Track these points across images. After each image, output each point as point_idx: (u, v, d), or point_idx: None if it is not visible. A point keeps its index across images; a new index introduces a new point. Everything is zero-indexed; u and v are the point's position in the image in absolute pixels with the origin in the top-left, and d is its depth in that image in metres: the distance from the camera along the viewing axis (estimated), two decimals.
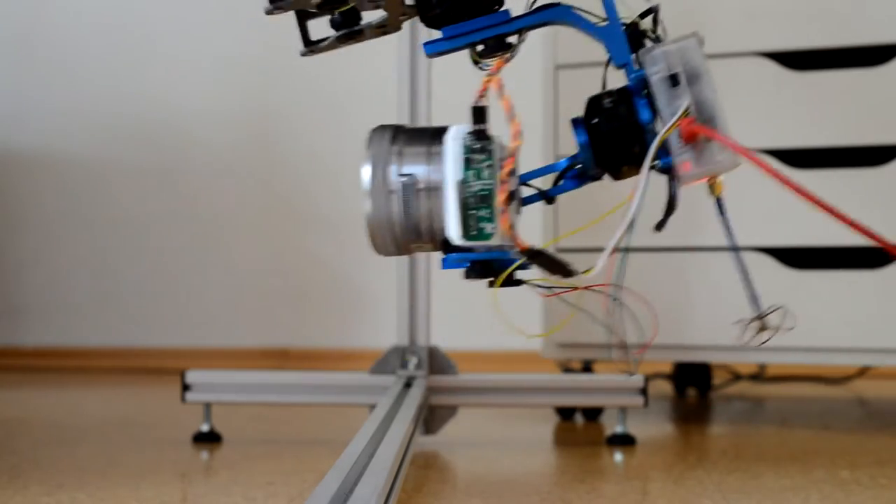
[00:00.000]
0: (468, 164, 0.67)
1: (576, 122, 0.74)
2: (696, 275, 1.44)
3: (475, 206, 0.68)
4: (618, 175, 0.75)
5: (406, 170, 0.70)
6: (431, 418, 1.34)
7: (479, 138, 0.68)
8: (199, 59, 2.58)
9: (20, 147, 2.68)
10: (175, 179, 2.59)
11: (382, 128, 0.73)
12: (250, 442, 1.37)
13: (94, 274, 2.62)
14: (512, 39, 0.76)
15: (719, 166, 0.72)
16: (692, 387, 1.95)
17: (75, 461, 1.21)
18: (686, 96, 0.70)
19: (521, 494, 1.01)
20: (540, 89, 1.53)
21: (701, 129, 0.69)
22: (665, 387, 1.99)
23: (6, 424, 1.58)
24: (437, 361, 1.35)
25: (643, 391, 1.31)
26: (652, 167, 0.71)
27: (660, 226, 0.75)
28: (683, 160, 0.71)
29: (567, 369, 1.64)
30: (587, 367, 1.60)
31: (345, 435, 0.97)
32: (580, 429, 1.50)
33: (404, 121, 1.37)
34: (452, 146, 0.68)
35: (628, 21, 0.76)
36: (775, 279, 1.41)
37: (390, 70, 1.39)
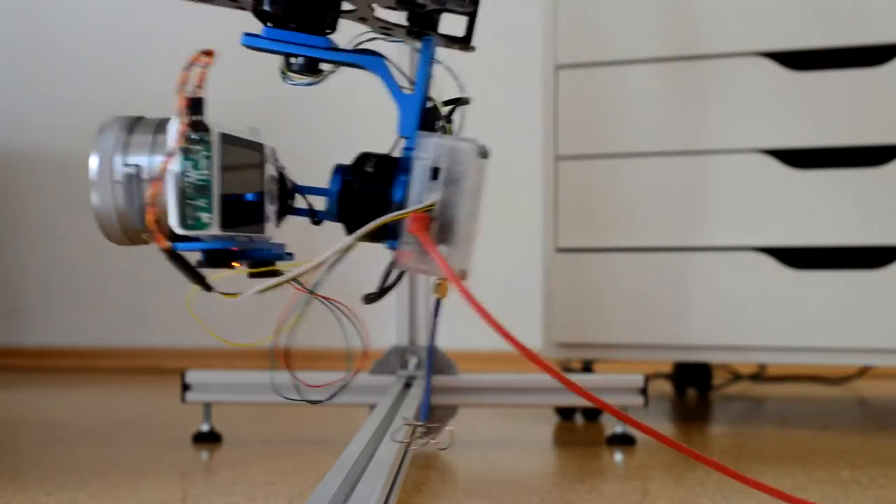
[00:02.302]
0: (186, 154, 0.67)
1: (337, 169, 0.75)
2: (696, 275, 1.44)
3: (192, 196, 0.68)
4: (349, 232, 0.76)
5: (131, 160, 0.70)
6: (431, 418, 1.33)
7: (197, 129, 0.67)
8: None
9: (20, 147, 2.68)
10: None
11: (116, 118, 0.74)
12: (250, 442, 1.37)
13: (95, 274, 2.62)
14: (325, 67, 0.78)
15: (434, 270, 0.72)
16: (692, 387, 1.95)
17: (75, 461, 1.21)
18: (437, 193, 0.71)
19: (521, 494, 1.01)
20: (540, 89, 1.53)
21: (420, 231, 0.70)
22: (665, 387, 1.99)
23: (6, 424, 1.58)
24: (437, 361, 1.35)
25: (643, 391, 1.31)
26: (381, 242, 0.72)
27: (369, 299, 0.76)
28: (406, 249, 0.72)
29: (567, 369, 1.64)
30: (587, 367, 1.60)
31: (345, 435, 0.97)
32: (580, 429, 1.50)
33: None
34: (171, 137, 0.68)
35: (434, 100, 0.78)
36: (775, 279, 1.41)
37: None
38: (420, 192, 0.71)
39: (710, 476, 1.09)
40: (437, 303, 0.77)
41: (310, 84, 0.79)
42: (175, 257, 0.67)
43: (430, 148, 0.72)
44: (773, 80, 1.42)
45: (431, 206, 0.71)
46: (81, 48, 2.64)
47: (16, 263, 2.67)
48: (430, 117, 0.77)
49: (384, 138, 1.29)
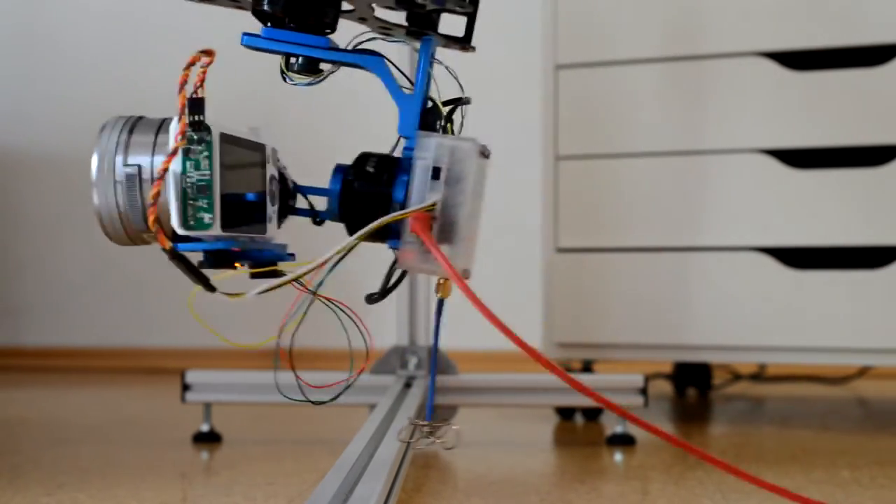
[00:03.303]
0: (186, 154, 0.67)
1: (338, 169, 0.74)
2: (696, 275, 1.44)
3: (194, 196, 0.68)
4: (351, 232, 0.76)
5: (132, 160, 0.70)
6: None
7: (197, 129, 0.68)
8: None
9: (20, 147, 2.68)
10: None
11: (117, 118, 0.74)
12: (250, 442, 1.37)
13: (94, 274, 2.62)
14: (325, 67, 0.78)
15: (436, 270, 0.72)
16: (692, 387, 1.95)
17: (75, 461, 1.21)
18: (438, 193, 0.71)
19: (521, 494, 1.01)
20: (540, 89, 1.53)
21: (423, 231, 0.70)
22: (665, 387, 1.99)
23: (6, 424, 1.58)
24: (437, 361, 1.35)
25: (643, 391, 1.31)
26: (381, 241, 0.72)
27: (372, 299, 0.76)
28: (408, 248, 0.72)
29: (567, 369, 1.64)
30: (587, 367, 1.60)
31: (345, 435, 0.97)
32: (580, 429, 1.50)
33: None
34: (173, 137, 0.68)
35: (434, 100, 0.78)
36: (775, 279, 1.41)
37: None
38: (421, 192, 0.71)
39: (710, 476, 1.09)
40: (440, 303, 0.77)
41: (310, 84, 0.79)
42: (177, 258, 0.68)
43: (430, 147, 0.72)
44: (773, 80, 1.42)
45: (433, 205, 0.71)
46: (81, 48, 2.64)
47: (16, 263, 2.67)
48: (430, 117, 0.77)
49: (383, 138, 1.29)
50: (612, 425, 1.35)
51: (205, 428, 1.36)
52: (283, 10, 0.76)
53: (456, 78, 0.81)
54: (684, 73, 1.46)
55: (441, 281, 0.75)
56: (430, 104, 0.78)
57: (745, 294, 1.42)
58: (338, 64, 0.77)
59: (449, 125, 0.78)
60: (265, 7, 0.77)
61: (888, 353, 1.38)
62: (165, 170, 0.67)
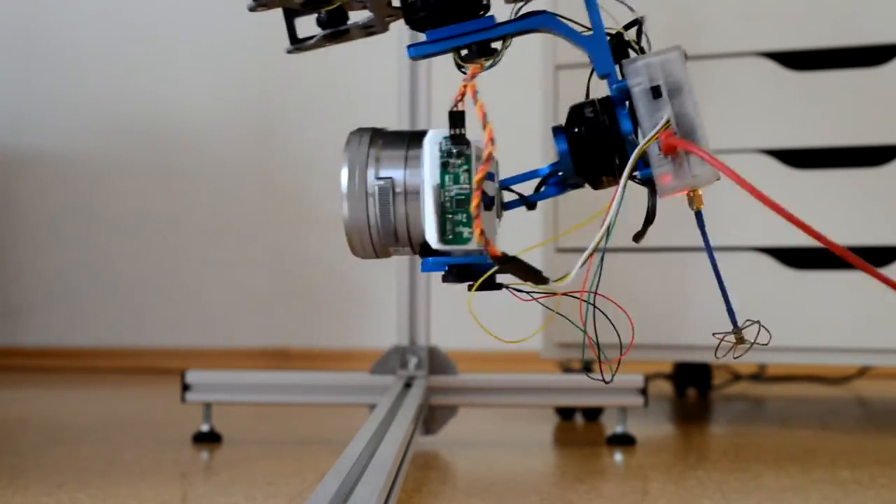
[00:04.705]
0: (445, 168, 0.68)
1: (556, 130, 0.74)
2: (695, 275, 1.44)
3: (452, 210, 0.68)
4: (597, 185, 0.75)
5: (383, 173, 0.70)
6: (431, 418, 1.34)
7: (457, 143, 0.68)
8: (201, 59, 2.58)
9: (20, 146, 2.68)
10: (175, 179, 2.59)
11: (361, 131, 0.74)
12: (250, 442, 1.37)
13: (95, 274, 2.62)
14: (496, 45, 0.77)
15: (698, 180, 0.72)
16: (692, 387, 1.95)
17: (75, 461, 1.21)
18: (667, 109, 0.71)
19: (521, 494, 1.01)
20: (540, 89, 1.53)
21: (680, 142, 0.70)
22: (665, 387, 1.99)
23: (6, 424, 1.58)
24: (437, 361, 1.35)
25: (643, 391, 1.31)
26: (632, 178, 0.71)
27: (638, 237, 0.75)
28: (662, 172, 0.71)
29: (567, 369, 1.64)
30: (587, 368, 1.60)
31: (345, 435, 0.97)
32: (580, 429, 1.50)
33: (404, 122, 1.37)
34: (430, 150, 0.68)
35: (613, 31, 0.77)
36: (775, 279, 1.41)
37: (391, 70, 1.39)
38: (649, 115, 0.70)
39: (710, 476, 1.09)
40: (699, 215, 0.76)
41: (491, 66, 0.78)
42: (507, 262, 0.68)
43: (640, 71, 0.71)
44: (773, 80, 1.42)
45: (667, 122, 0.70)
46: (81, 49, 2.64)
47: (16, 263, 2.67)
48: (618, 48, 0.76)
49: None
50: (612, 425, 1.35)
51: (205, 428, 1.36)
52: (436, 10, 0.75)
53: (626, 3, 0.81)
54: None
55: (692, 193, 0.75)
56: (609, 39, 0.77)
57: (745, 294, 1.42)
58: (510, 36, 0.76)
59: (639, 46, 0.78)
60: (421, 13, 0.76)
61: (888, 353, 1.38)
62: (480, 180, 0.66)
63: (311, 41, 0.81)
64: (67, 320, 2.64)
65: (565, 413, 1.57)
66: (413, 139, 0.71)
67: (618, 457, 1.25)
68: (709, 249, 0.77)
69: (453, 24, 0.75)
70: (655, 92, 0.71)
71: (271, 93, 2.56)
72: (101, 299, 2.62)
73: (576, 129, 0.73)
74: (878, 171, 1.38)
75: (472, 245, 0.68)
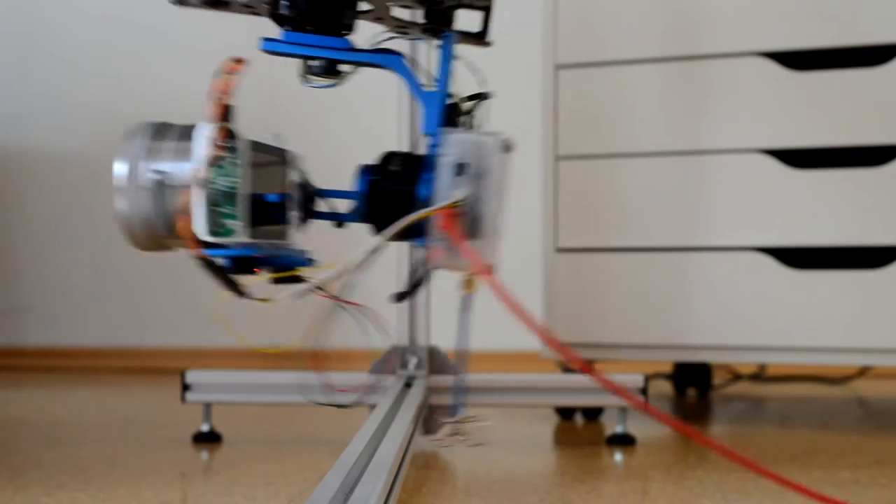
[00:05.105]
0: (214, 161, 0.67)
1: (363, 170, 0.75)
2: (695, 275, 1.44)
3: (220, 203, 0.67)
4: (378, 232, 0.75)
5: (157, 167, 0.70)
6: (431, 418, 1.33)
7: (226, 137, 0.67)
8: (201, 58, 2.58)
9: (20, 147, 2.68)
10: None
11: (141, 125, 0.74)
12: (250, 442, 1.37)
13: (94, 274, 2.62)
14: (344, 68, 0.78)
15: (464, 266, 0.72)
16: (692, 387, 1.95)
17: (75, 461, 1.21)
18: (464, 189, 0.71)
19: (521, 494, 1.01)
20: (540, 89, 1.53)
21: (451, 228, 0.70)
22: (665, 387, 1.99)
23: (6, 424, 1.58)
24: (437, 361, 1.35)
25: (643, 391, 1.31)
26: (404, 240, 0.72)
27: (400, 297, 0.76)
28: (436, 247, 0.71)
29: (567, 369, 1.64)
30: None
31: (345, 435, 0.97)
32: (580, 429, 1.50)
33: (404, 124, 1.37)
34: (199, 143, 0.68)
35: (456, 96, 0.78)
36: (775, 279, 1.41)
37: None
38: (447, 189, 0.71)
39: (710, 476, 1.09)
40: (467, 300, 0.77)
41: (330, 86, 0.79)
42: (209, 265, 0.67)
43: (454, 144, 0.72)
44: (773, 80, 1.42)
45: (459, 202, 0.70)
46: (81, 49, 2.64)
47: (16, 263, 2.67)
48: (452, 114, 0.77)
49: (386, 138, 1.29)
50: (612, 425, 1.35)
51: (205, 428, 1.36)
52: (301, 14, 0.76)
53: (476, 74, 0.81)
54: (684, 74, 1.46)
55: (467, 278, 0.75)
56: (450, 101, 0.77)
57: (745, 294, 1.42)
58: (357, 64, 0.77)
59: (471, 121, 0.78)
60: (284, 11, 0.76)
61: (888, 353, 1.38)
62: (195, 177, 0.66)
63: (194, 0, 0.83)
64: (67, 320, 2.64)
65: (565, 413, 1.57)
66: (185, 132, 0.71)
67: (618, 457, 1.25)
68: (464, 333, 0.78)
69: (312, 34, 0.76)
70: (460, 169, 0.71)
71: (272, 93, 2.56)
72: (101, 299, 2.62)
73: (377, 178, 0.72)
74: (878, 171, 1.38)
75: (241, 237, 0.68)
